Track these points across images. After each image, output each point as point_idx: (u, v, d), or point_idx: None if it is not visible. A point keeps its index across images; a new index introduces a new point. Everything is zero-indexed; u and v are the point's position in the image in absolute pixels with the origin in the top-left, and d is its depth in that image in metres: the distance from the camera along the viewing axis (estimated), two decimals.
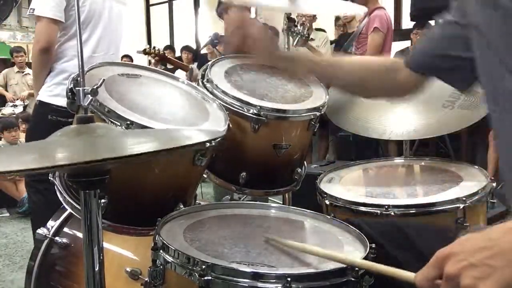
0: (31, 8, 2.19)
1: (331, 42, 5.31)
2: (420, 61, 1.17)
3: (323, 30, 5.32)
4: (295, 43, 2.81)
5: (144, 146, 0.90)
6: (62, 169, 1.11)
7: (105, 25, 2.35)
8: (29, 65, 7.50)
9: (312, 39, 2.93)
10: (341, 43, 4.65)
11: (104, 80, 1.13)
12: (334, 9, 2.34)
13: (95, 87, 1.11)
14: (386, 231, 1.11)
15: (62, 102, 2.18)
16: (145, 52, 3.17)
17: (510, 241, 0.66)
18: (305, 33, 2.82)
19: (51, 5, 2.16)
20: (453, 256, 0.68)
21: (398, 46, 5.07)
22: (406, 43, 5.39)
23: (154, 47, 3.26)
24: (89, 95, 1.11)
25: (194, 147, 1.15)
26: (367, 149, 3.65)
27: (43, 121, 2.25)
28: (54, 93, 2.27)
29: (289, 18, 1.96)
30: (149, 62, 5.90)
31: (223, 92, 1.42)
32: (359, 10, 1.94)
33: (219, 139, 1.17)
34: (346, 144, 4.02)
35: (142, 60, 7.03)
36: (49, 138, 0.93)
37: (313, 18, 4.55)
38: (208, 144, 1.16)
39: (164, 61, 3.43)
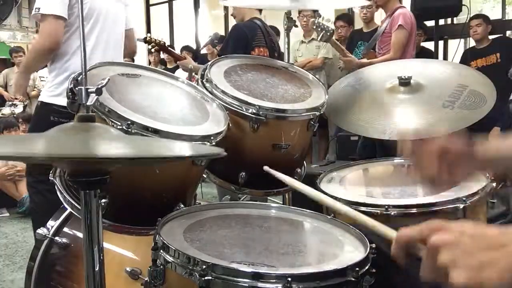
0: (36, 8, 2.18)
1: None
2: None
3: None
4: (319, 38, 2.82)
5: (119, 150, 0.88)
6: (37, 160, 1.10)
7: (104, 23, 2.34)
8: None
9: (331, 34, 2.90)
10: (354, 41, 4.62)
11: (109, 79, 1.12)
12: (335, 3, 2.30)
13: (100, 86, 1.10)
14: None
15: (64, 102, 2.17)
16: (145, 40, 3.16)
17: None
18: (330, 28, 2.82)
19: (56, 2, 2.16)
20: (447, 244, 0.67)
21: None
22: None
23: (154, 38, 3.24)
24: (94, 94, 1.09)
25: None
26: (368, 149, 3.65)
27: (45, 122, 2.23)
28: (55, 93, 2.26)
29: (288, 18, 1.95)
30: (149, 52, 5.85)
31: (223, 92, 1.42)
32: (359, 2, 1.88)
33: (218, 138, 1.17)
34: (346, 144, 4.01)
35: (142, 60, 7.04)
36: (43, 133, 0.92)
37: (314, 14, 4.53)
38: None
39: (163, 51, 3.39)
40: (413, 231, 0.72)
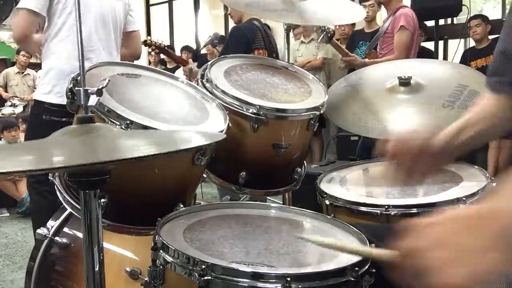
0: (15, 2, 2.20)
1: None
2: None
3: None
4: (319, 40, 2.79)
5: (143, 149, 0.90)
6: (59, 170, 1.11)
7: (95, 20, 2.32)
8: (29, 65, 7.50)
9: (331, 35, 2.81)
10: (355, 41, 4.61)
11: (109, 80, 1.12)
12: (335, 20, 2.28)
13: (100, 87, 1.09)
14: (385, 236, 1.11)
15: (54, 99, 2.20)
16: (145, 43, 3.15)
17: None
18: (330, 30, 2.78)
19: None
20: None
21: None
22: None
23: (154, 41, 3.22)
24: (95, 95, 1.09)
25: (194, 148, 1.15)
26: (368, 149, 3.65)
27: (38, 121, 2.27)
28: (46, 90, 2.28)
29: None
30: (149, 52, 5.86)
31: (223, 91, 1.42)
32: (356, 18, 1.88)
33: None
34: (346, 144, 4.01)
35: (142, 60, 7.03)
36: (49, 138, 0.93)
37: None
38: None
39: (163, 53, 3.38)
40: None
